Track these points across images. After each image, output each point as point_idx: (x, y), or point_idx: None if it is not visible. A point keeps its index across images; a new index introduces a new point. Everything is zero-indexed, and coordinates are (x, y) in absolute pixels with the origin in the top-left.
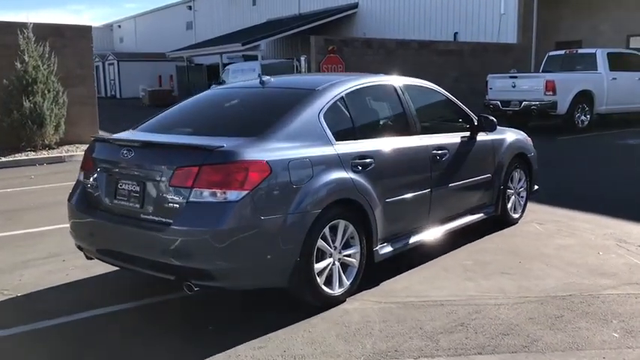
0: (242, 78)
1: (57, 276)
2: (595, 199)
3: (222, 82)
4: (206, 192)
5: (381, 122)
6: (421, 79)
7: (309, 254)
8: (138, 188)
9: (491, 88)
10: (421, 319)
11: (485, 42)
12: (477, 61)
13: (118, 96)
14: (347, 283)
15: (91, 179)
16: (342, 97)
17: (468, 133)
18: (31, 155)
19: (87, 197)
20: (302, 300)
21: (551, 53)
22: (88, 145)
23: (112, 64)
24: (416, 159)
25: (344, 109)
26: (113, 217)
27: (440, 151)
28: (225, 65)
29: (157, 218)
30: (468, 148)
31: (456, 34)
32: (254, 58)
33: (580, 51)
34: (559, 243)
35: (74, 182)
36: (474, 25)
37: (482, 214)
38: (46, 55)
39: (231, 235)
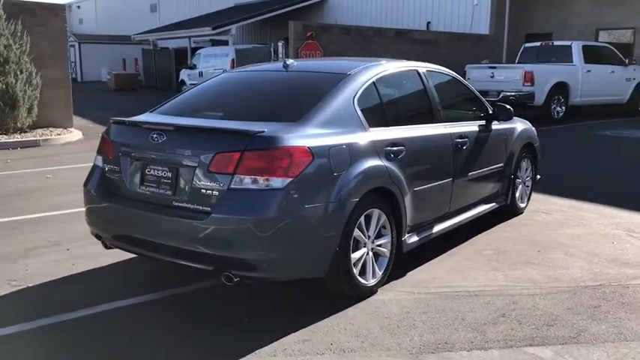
0: (214, 63)
1: (64, 266)
2: (591, 189)
3: (194, 67)
4: (248, 179)
5: (409, 109)
6: None
7: (347, 244)
8: (169, 174)
9: (469, 78)
10: (460, 310)
11: (459, 32)
12: (451, 51)
13: (79, 79)
14: (379, 273)
15: (112, 164)
16: (373, 83)
17: (483, 122)
18: (4, 139)
19: (107, 183)
20: (337, 291)
21: (527, 45)
22: (106, 128)
23: (73, 45)
24: (441, 147)
25: (376, 95)
26: (139, 204)
27: (461, 140)
28: (195, 50)
29: (192, 206)
30: (485, 137)
31: (428, 23)
32: (223, 42)
33: (556, 43)
34: (571, 232)
35: (54, 168)
36: (446, 15)
37: (494, 204)
38: (18, 34)
39: (275, 223)
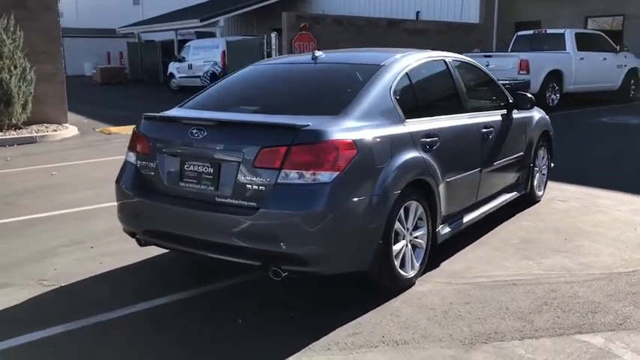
0: (204, 55)
1: (92, 265)
2: (603, 176)
3: (182, 60)
4: (296, 173)
5: (439, 99)
6: None
7: (389, 236)
8: (211, 170)
9: None
10: (502, 300)
11: (450, 21)
12: (442, 40)
13: None
14: (417, 265)
15: (147, 161)
16: (406, 73)
17: (505, 111)
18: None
19: (141, 180)
20: (379, 284)
21: (520, 33)
22: (138, 124)
23: None
24: (471, 138)
25: (409, 86)
26: (178, 201)
27: (487, 130)
28: (183, 42)
29: (236, 201)
30: (507, 126)
31: (417, 12)
32: (208, 35)
33: (549, 31)
34: (592, 219)
35: (57, 164)
36: (435, 4)
37: (515, 193)
38: (11, 29)
39: (323, 217)
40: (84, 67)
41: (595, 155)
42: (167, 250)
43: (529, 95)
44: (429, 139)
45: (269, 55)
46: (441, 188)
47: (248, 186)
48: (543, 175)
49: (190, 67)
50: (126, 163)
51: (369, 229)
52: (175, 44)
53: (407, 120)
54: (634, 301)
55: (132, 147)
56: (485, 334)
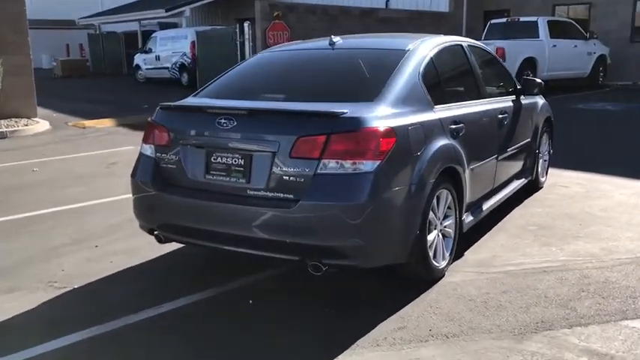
0: (173, 46)
1: (102, 264)
2: (596, 160)
3: (149, 51)
4: (337, 163)
5: (460, 85)
6: None
7: (425, 226)
8: (242, 162)
9: None
10: (538, 288)
11: (421, 10)
12: (414, 29)
13: None
14: (447, 255)
15: (167, 153)
16: (431, 59)
17: (514, 97)
18: None
19: (161, 173)
20: (414, 276)
21: (493, 21)
22: (153, 115)
23: None
24: (490, 124)
25: (434, 71)
26: (205, 195)
27: (502, 116)
28: (146, 33)
29: (271, 194)
30: (518, 112)
31: (387, 1)
32: (172, 25)
33: (522, 19)
34: (598, 204)
35: (36, 160)
36: None
37: (523, 179)
38: None
39: (366, 208)
40: (42, 60)
41: (582, 141)
42: (179, 247)
43: (538, 80)
44: (455, 126)
45: (242, 45)
46: (467, 175)
47: (284, 177)
48: (545, 161)
49: (158, 58)
50: (141, 156)
51: (408, 219)
52: (139, 35)
53: (436, 106)
54: None
55: (148, 139)
56: (532, 324)
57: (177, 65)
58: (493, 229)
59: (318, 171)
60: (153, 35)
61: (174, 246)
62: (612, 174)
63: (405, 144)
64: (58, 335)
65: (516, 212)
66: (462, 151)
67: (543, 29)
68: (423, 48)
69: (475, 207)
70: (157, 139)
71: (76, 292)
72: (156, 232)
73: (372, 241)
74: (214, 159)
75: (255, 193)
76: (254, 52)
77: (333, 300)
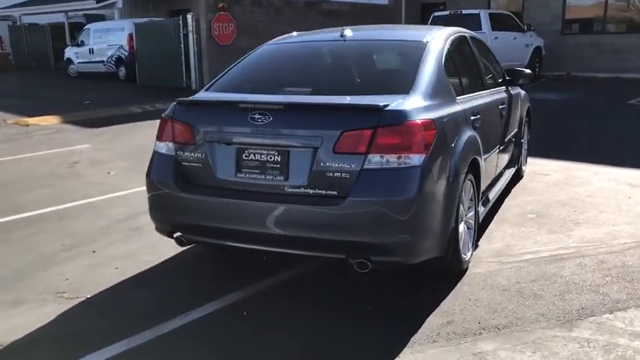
0: (107, 39)
1: (107, 271)
2: (565, 148)
3: (82, 44)
4: (384, 157)
5: (470, 76)
6: None
7: (458, 218)
8: (279, 158)
9: None
10: (563, 275)
11: (362, 2)
12: (357, 21)
13: None
14: (470, 246)
15: (190, 151)
16: (448, 50)
17: (505, 87)
18: None
19: (184, 172)
20: (447, 269)
21: (437, 14)
22: (169, 111)
23: None
24: (497, 114)
25: (451, 63)
26: (237, 194)
27: (502, 106)
28: (74, 26)
29: (312, 191)
30: (510, 102)
31: None
32: (100, 17)
33: (464, 12)
34: (583, 191)
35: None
36: None
37: (513, 169)
38: None
39: (415, 202)
40: None
41: (542, 130)
42: (180, 250)
43: (527, 71)
44: (474, 117)
45: (185, 38)
46: (482, 166)
47: (328, 174)
48: (525, 149)
49: (91, 51)
50: (156, 154)
51: (448, 211)
52: (66, 28)
53: (457, 98)
54: None
55: (165, 137)
56: (573, 311)
57: (114, 59)
58: (494, 219)
59: (365, 166)
60: (85, 27)
61: (175, 249)
62: (586, 161)
63: (442, 136)
64: (94, 349)
65: (509, 202)
66: (480, 142)
67: (486, 22)
68: (439, 39)
69: (484, 197)
70: (177, 137)
71: (90, 303)
72: (177, 235)
73: (419, 235)
74: (246, 156)
75: (295, 190)
76: (198, 44)
77: (367, 298)
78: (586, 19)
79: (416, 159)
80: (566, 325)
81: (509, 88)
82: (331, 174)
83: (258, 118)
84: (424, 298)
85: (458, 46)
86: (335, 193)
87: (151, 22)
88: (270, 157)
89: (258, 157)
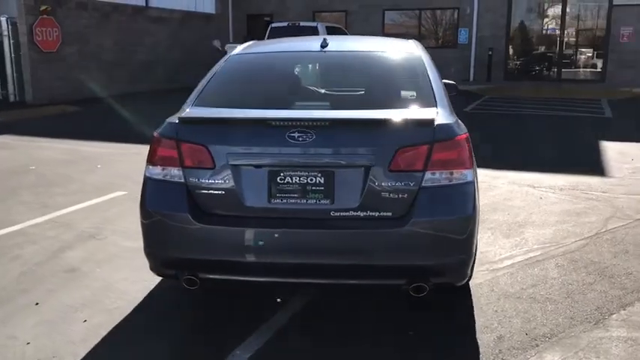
0: None
1: (74, 326)
2: None
3: None
4: (441, 174)
5: None
6: (139, 49)
7: None
8: (322, 180)
9: None
10: (553, 277)
11: (190, 11)
12: (184, 30)
13: None
14: None
15: (209, 177)
16: (431, 62)
17: None
18: None
19: (196, 200)
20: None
21: (274, 25)
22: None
23: None
24: None
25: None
26: (271, 222)
27: None
28: None
29: (363, 214)
30: None
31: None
32: None
33: (302, 24)
34: (496, 195)
35: None
36: None
37: None
38: None
39: (472, 220)
40: None
41: None
42: (154, 287)
43: (453, 82)
44: None
45: (1, 43)
46: None
47: (383, 194)
48: None
49: None
50: (150, 182)
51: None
52: None
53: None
54: None
55: (166, 161)
56: (594, 311)
57: None
58: None
59: (423, 184)
60: None
61: (144, 290)
62: (482, 167)
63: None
64: None
65: None
66: None
67: (322, 33)
68: (423, 51)
69: None
70: (188, 160)
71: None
72: (188, 276)
73: (471, 254)
74: (281, 179)
75: (343, 214)
76: (16, 51)
77: (396, 323)
78: (403, 35)
79: (469, 175)
80: (599, 325)
81: None
82: (387, 194)
83: (299, 137)
84: (449, 316)
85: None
86: (390, 214)
87: None
88: (312, 179)
89: (296, 179)
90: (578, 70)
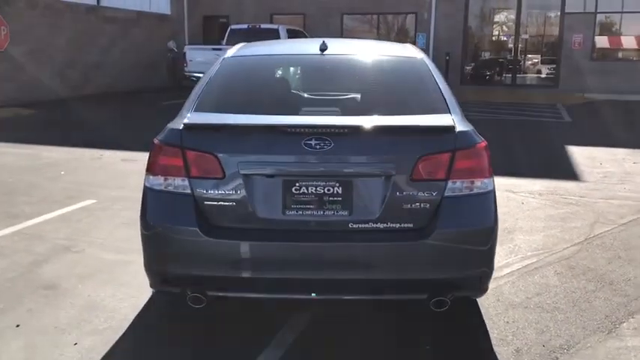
0: None
1: (67, 350)
2: None
3: None
4: (463, 183)
5: None
6: (92, 49)
7: None
8: (340, 190)
9: (191, 60)
10: (554, 284)
11: (146, 11)
12: (139, 31)
13: None
14: None
15: (219, 187)
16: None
17: None
18: None
19: (204, 212)
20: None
21: (234, 27)
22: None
23: None
24: None
25: None
26: (286, 235)
27: None
28: None
29: (383, 225)
30: None
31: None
32: None
33: (263, 26)
34: None
35: None
36: None
37: None
38: None
39: (494, 231)
40: None
41: None
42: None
43: None
44: None
45: None
46: None
47: (405, 205)
48: None
49: None
50: (150, 192)
51: None
52: None
53: None
54: None
55: (169, 170)
56: (604, 319)
57: None
58: None
59: (446, 194)
60: None
61: (135, 307)
62: None
63: None
64: None
65: None
66: None
67: (284, 36)
68: (422, 54)
69: None
70: (194, 170)
71: None
72: (194, 293)
73: (492, 266)
74: (297, 189)
75: (362, 226)
76: None
77: (408, 337)
78: (361, 38)
79: (490, 184)
80: (613, 335)
81: None
82: (409, 205)
83: (316, 144)
84: (459, 329)
85: None
86: (411, 225)
87: None
88: (329, 189)
89: (312, 189)
90: (532, 75)
